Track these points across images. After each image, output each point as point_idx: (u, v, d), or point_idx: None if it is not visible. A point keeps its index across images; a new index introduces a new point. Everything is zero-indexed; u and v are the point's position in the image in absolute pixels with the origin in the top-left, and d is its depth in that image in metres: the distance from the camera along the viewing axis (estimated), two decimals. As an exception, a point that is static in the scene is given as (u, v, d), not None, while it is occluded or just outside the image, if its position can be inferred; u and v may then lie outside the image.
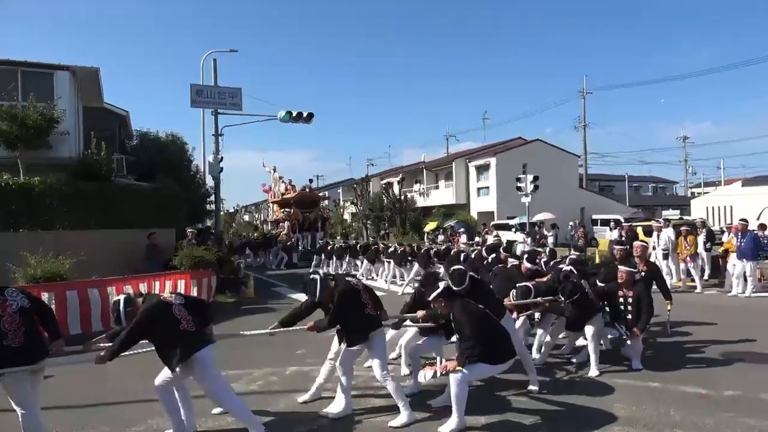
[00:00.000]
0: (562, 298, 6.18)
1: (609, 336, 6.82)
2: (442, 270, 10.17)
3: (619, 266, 6.62)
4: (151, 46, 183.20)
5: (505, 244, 14.38)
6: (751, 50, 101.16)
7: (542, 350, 6.61)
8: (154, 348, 4.31)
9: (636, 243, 7.84)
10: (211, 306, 5.75)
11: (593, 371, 5.97)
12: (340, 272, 17.26)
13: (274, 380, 6.15)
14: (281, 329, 5.19)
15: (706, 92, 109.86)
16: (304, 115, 17.20)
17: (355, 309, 4.85)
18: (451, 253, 13.43)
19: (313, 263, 19.53)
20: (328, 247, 19.47)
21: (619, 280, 6.44)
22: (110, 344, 4.26)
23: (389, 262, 15.09)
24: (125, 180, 16.02)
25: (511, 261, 8.99)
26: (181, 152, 21.59)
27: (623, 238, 13.85)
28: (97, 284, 9.33)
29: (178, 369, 4.21)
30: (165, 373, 4.35)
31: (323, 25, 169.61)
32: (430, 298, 4.88)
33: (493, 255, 10.06)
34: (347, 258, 17.82)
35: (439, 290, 4.85)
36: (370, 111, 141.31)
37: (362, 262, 16.75)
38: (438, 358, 5.81)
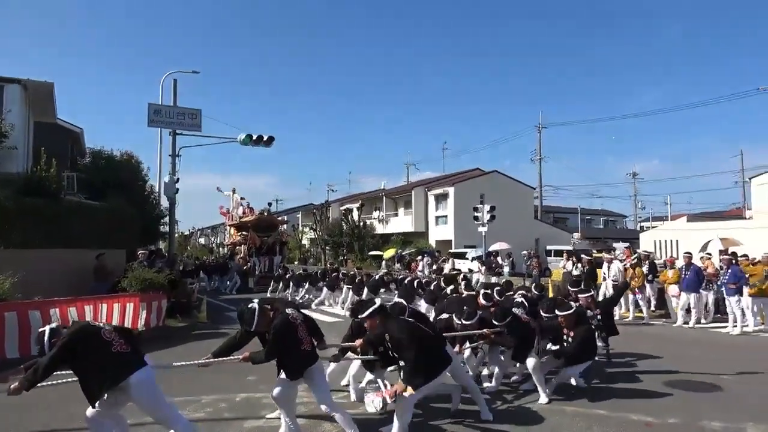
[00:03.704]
0: (495, 322, 6.29)
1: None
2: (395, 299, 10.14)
3: (557, 312, 6.47)
4: (110, 65, 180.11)
5: (462, 275, 14.45)
6: (696, 94, 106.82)
7: (494, 379, 6.67)
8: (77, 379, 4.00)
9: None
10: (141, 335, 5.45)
11: (542, 399, 6.03)
12: (297, 299, 17.05)
13: (224, 407, 5.98)
14: (213, 360, 4.92)
15: (655, 132, 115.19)
16: (264, 138, 17.13)
17: (291, 345, 4.66)
18: (405, 281, 13.47)
19: (270, 289, 19.26)
20: (287, 275, 19.18)
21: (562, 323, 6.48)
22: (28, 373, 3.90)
23: (349, 289, 14.97)
24: (75, 198, 15.52)
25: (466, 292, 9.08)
26: (136, 172, 21.12)
27: (581, 273, 13.92)
28: (39, 306, 8.91)
29: (101, 402, 3.97)
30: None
31: (286, 51, 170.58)
32: (364, 315, 4.79)
33: (452, 287, 10.23)
34: (306, 285, 17.61)
35: (374, 306, 4.78)
36: (331, 137, 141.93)
37: (322, 290, 16.58)
38: (380, 383, 5.63)
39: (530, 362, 6.22)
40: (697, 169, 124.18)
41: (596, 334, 7.22)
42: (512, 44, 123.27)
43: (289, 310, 4.84)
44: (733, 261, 11.73)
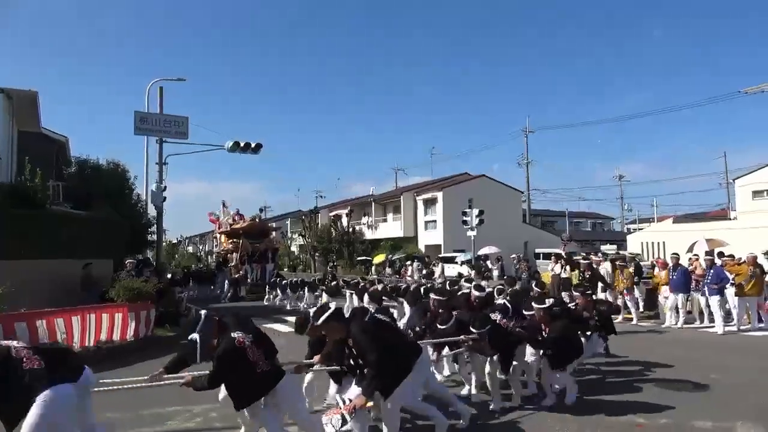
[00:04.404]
0: (473, 329, 5.82)
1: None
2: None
3: (534, 305, 6.38)
4: (95, 73, 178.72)
5: (464, 279, 14.30)
6: (680, 97, 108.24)
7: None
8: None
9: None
10: (71, 352, 4.97)
11: (496, 404, 5.93)
12: (298, 306, 16.79)
13: (214, 417, 5.91)
14: (158, 383, 4.56)
15: (640, 135, 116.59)
16: (252, 145, 17.12)
17: (241, 371, 4.20)
18: (411, 288, 13.24)
19: (266, 298, 19.24)
20: (283, 282, 18.94)
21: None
22: None
23: (352, 294, 14.66)
24: (61, 208, 15.36)
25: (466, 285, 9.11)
26: (122, 180, 20.93)
27: (584, 279, 12.70)
28: (25, 317, 8.79)
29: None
30: None
31: (273, 57, 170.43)
32: (319, 322, 4.45)
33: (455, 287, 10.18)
34: (304, 292, 17.24)
35: (329, 311, 4.47)
36: (319, 143, 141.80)
37: (321, 296, 16.13)
38: (338, 398, 5.03)
39: (487, 366, 6.01)
40: (683, 171, 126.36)
41: (596, 333, 7.22)
42: (499, 50, 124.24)
43: (236, 334, 4.32)
44: (715, 262, 11.87)
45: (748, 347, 9.70)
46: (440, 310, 6.63)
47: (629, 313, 12.98)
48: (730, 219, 32.41)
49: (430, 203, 40.63)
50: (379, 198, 47.05)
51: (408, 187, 49.50)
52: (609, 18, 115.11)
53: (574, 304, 7.69)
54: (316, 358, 5.19)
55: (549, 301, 6.36)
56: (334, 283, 16.54)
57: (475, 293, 7.49)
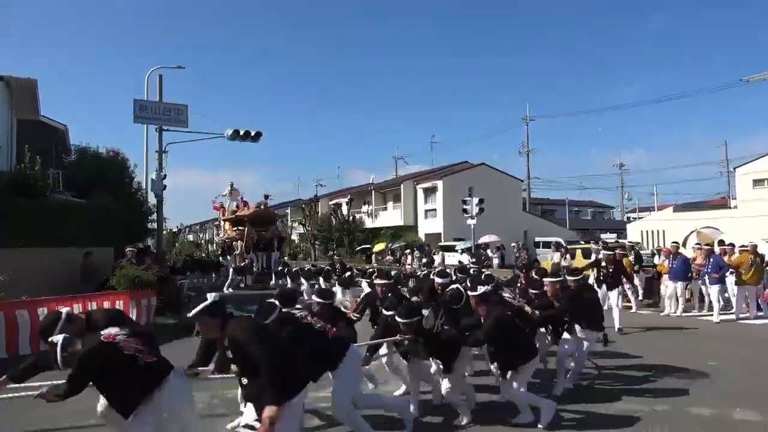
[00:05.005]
0: (399, 319, 5.03)
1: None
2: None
3: (469, 292, 5.47)
4: (95, 60, 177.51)
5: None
6: (680, 86, 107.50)
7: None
8: None
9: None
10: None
11: (463, 419, 5.13)
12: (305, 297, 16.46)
13: (216, 403, 5.97)
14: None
15: (640, 123, 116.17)
16: (252, 133, 17.04)
17: (114, 368, 3.57)
18: (421, 276, 13.04)
19: (273, 285, 19.12)
20: (293, 270, 18.79)
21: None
22: None
23: (367, 284, 14.34)
24: (61, 196, 15.34)
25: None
26: (122, 169, 20.89)
27: (607, 274, 11.28)
28: (27, 305, 8.83)
29: None
30: None
31: (272, 47, 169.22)
32: (191, 314, 3.68)
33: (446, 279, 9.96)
34: (318, 281, 16.91)
35: (204, 303, 3.65)
36: (320, 131, 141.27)
37: (334, 286, 15.15)
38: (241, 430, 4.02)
39: (445, 384, 5.12)
40: (683, 159, 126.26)
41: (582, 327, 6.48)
42: (498, 39, 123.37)
43: (106, 330, 3.74)
44: (714, 250, 11.89)
45: (746, 335, 9.74)
46: (389, 295, 5.92)
47: (629, 301, 13.02)
48: (730, 208, 32.36)
49: (430, 192, 40.57)
50: (379, 186, 46.96)
51: (408, 176, 49.38)
52: (612, 8, 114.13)
53: (542, 292, 6.59)
54: (211, 366, 4.26)
55: (482, 288, 5.37)
56: (348, 274, 16.03)
57: (438, 280, 6.64)
